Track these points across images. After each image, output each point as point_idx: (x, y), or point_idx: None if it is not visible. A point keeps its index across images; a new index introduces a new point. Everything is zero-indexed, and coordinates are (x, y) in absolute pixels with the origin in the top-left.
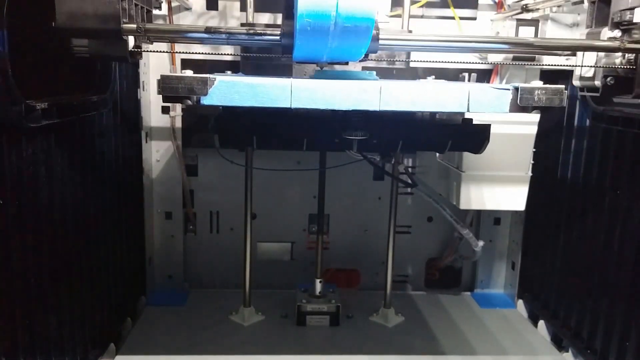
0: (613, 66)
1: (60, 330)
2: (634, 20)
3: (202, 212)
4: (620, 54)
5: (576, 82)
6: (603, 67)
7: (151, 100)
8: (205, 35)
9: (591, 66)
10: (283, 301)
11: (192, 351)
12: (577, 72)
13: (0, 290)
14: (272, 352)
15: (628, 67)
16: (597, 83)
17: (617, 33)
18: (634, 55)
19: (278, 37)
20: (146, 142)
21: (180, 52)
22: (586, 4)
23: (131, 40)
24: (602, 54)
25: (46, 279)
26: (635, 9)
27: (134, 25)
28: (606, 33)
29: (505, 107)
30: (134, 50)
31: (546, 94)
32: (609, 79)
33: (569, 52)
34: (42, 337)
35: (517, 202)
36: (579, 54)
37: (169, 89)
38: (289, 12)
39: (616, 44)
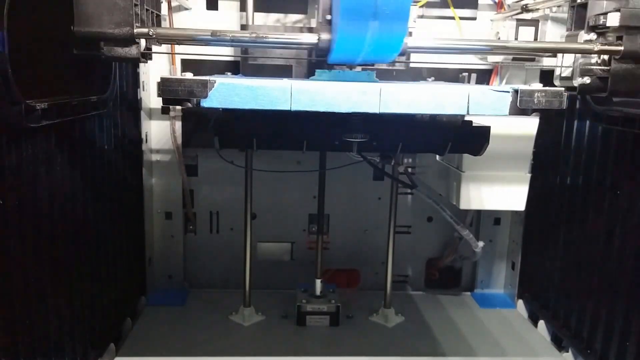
0: (589, 67)
1: (60, 330)
2: (608, 24)
3: (202, 212)
4: (595, 55)
5: (556, 82)
6: (580, 67)
7: (151, 101)
8: (212, 39)
9: (568, 67)
10: (283, 301)
11: (192, 351)
12: (557, 72)
13: (0, 290)
14: (272, 353)
15: (603, 67)
16: (575, 83)
17: (592, 36)
18: (608, 56)
19: (281, 39)
20: (146, 142)
21: (180, 53)
22: None
23: (142, 43)
24: (579, 55)
25: (46, 279)
26: (609, 14)
27: (146, 30)
28: (583, 36)
29: (505, 110)
30: (145, 52)
31: (546, 96)
32: (585, 78)
33: (549, 54)
34: (42, 337)
35: (517, 202)
36: (559, 55)
37: (169, 92)
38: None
39: (591, 46)
